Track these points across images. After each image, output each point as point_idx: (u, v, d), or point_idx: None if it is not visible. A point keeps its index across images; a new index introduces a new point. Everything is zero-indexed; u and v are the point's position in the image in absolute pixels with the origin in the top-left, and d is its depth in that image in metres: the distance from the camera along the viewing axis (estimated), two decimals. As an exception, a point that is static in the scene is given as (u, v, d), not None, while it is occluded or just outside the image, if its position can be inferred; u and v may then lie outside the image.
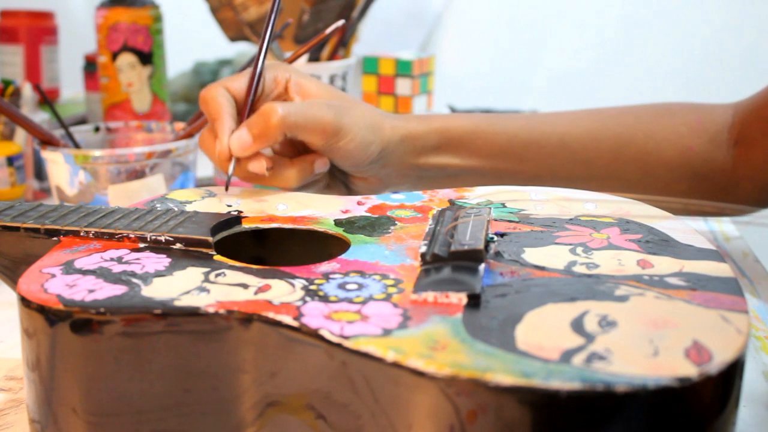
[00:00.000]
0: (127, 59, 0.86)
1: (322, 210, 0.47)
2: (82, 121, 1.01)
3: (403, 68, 0.86)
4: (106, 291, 0.35)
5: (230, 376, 0.34)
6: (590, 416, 0.27)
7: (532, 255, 0.39)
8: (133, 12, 0.86)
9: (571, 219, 0.44)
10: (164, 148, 0.64)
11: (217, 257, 0.40)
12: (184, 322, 0.34)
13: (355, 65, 0.87)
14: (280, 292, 0.35)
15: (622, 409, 0.27)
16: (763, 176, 0.58)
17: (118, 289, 0.35)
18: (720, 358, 0.29)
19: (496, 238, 0.42)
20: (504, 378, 0.28)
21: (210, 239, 0.41)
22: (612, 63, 1.30)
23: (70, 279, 0.36)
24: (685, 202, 0.58)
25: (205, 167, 0.78)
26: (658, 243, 0.40)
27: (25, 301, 0.35)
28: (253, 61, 0.53)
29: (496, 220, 0.44)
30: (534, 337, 0.30)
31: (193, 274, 0.37)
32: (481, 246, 0.37)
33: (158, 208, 0.47)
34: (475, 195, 0.49)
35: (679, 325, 0.31)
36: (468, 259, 0.37)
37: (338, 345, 0.31)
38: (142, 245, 0.41)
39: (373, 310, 0.33)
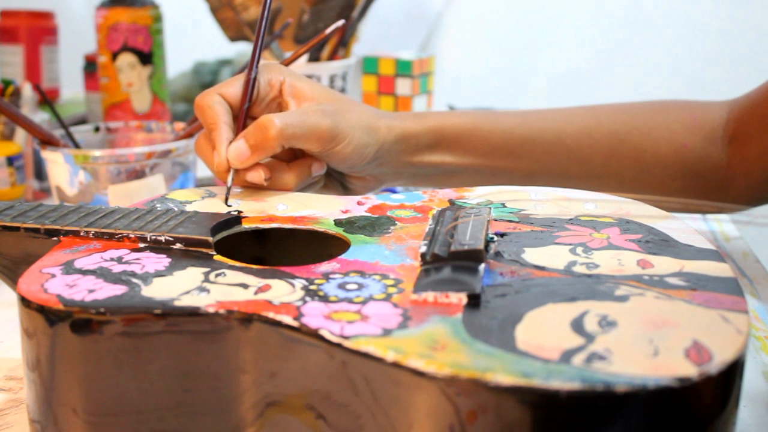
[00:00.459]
0: (127, 59, 0.86)
1: (322, 210, 0.47)
2: (82, 121, 1.01)
3: (403, 68, 0.86)
4: (106, 291, 0.35)
5: (230, 376, 0.34)
6: (590, 416, 0.27)
7: (532, 255, 0.39)
8: (133, 12, 0.86)
9: (571, 219, 0.44)
10: (164, 148, 0.64)
11: (217, 257, 0.40)
12: (184, 322, 0.34)
13: (355, 65, 0.87)
14: (280, 292, 0.35)
15: (622, 409, 0.27)
16: (758, 173, 0.58)
17: (118, 289, 0.35)
18: (720, 358, 0.29)
19: (496, 238, 0.42)
20: (504, 378, 0.28)
21: (210, 239, 0.41)
22: (611, 63, 1.30)
23: (70, 279, 0.36)
24: (685, 202, 0.58)
25: (205, 167, 0.78)
26: (658, 243, 0.40)
27: (25, 301, 0.35)
28: (247, 65, 0.53)
29: (496, 220, 0.44)
30: (534, 337, 0.30)
31: (193, 274, 0.37)
32: (481, 246, 0.37)
33: (158, 208, 0.46)
34: (475, 195, 0.49)
35: (679, 325, 0.31)
36: (468, 259, 0.37)
37: (338, 345, 0.31)
38: (142, 245, 0.41)
39: (373, 310, 0.33)
